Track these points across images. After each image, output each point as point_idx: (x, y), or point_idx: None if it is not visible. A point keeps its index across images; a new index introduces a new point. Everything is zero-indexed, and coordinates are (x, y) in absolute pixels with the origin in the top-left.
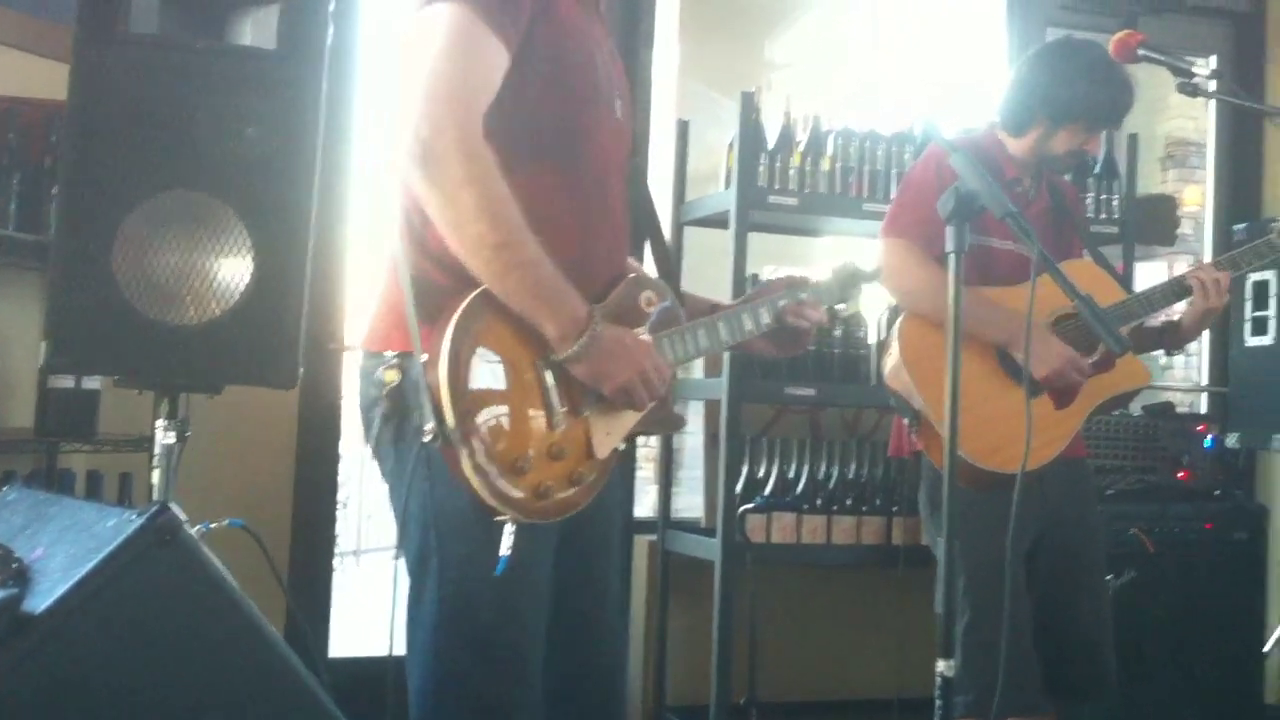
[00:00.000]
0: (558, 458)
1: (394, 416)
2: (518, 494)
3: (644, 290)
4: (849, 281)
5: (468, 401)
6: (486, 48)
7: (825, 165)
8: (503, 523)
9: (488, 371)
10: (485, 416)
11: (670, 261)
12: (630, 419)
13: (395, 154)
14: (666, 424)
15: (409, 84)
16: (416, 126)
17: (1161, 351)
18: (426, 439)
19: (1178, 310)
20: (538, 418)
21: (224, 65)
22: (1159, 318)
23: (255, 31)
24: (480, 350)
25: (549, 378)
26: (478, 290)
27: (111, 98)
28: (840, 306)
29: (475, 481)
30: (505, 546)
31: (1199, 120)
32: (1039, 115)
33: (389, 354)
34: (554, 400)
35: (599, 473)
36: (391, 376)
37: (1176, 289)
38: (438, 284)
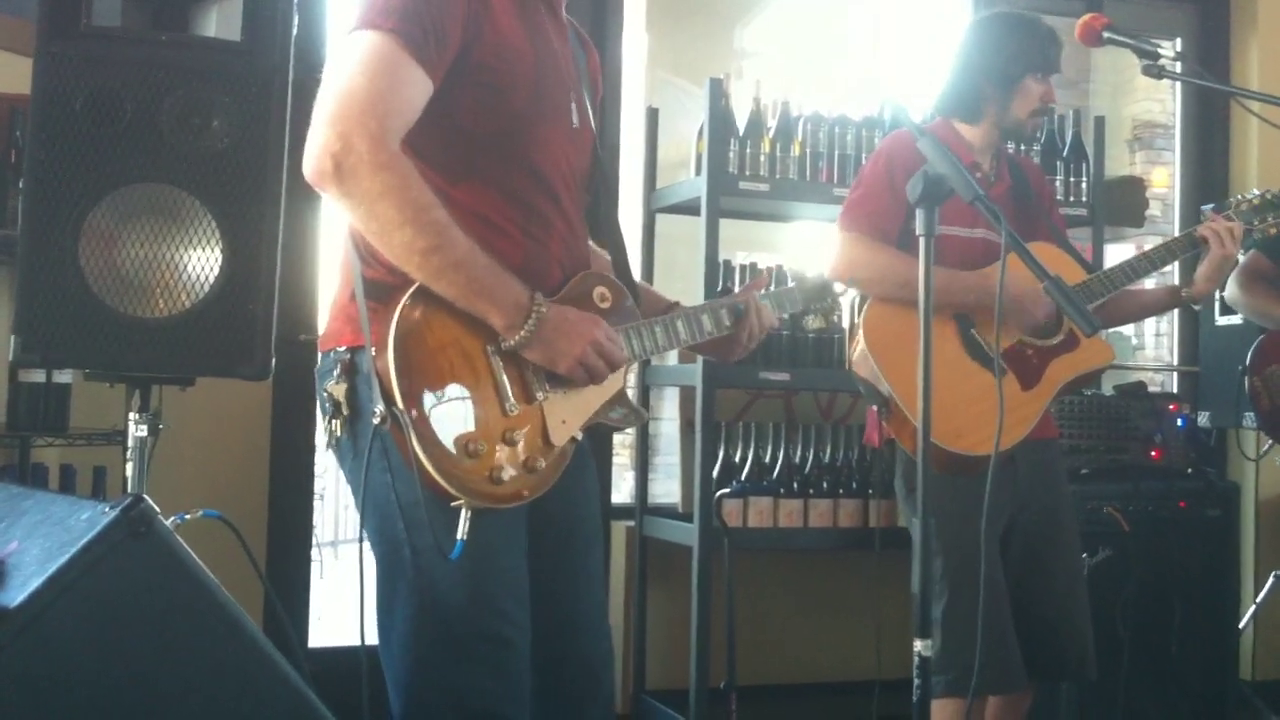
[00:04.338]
0: (511, 444)
1: (350, 412)
2: (470, 478)
3: (597, 286)
4: (816, 294)
5: (415, 385)
6: (405, 73)
7: (795, 151)
8: (458, 508)
9: (435, 357)
10: (433, 400)
11: (626, 262)
12: (587, 407)
13: (312, 174)
14: (626, 417)
15: (322, 105)
16: (328, 144)
17: (1133, 326)
18: (376, 421)
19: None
20: (489, 403)
21: (188, 57)
22: (1146, 283)
23: (220, 23)
24: (426, 336)
25: (498, 365)
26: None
27: (75, 91)
28: (808, 318)
29: (427, 465)
30: (461, 531)
31: (1165, 102)
32: (988, 90)
33: (341, 349)
34: (505, 387)
35: (555, 461)
36: (343, 373)
37: (1187, 244)
38: (387, 282)
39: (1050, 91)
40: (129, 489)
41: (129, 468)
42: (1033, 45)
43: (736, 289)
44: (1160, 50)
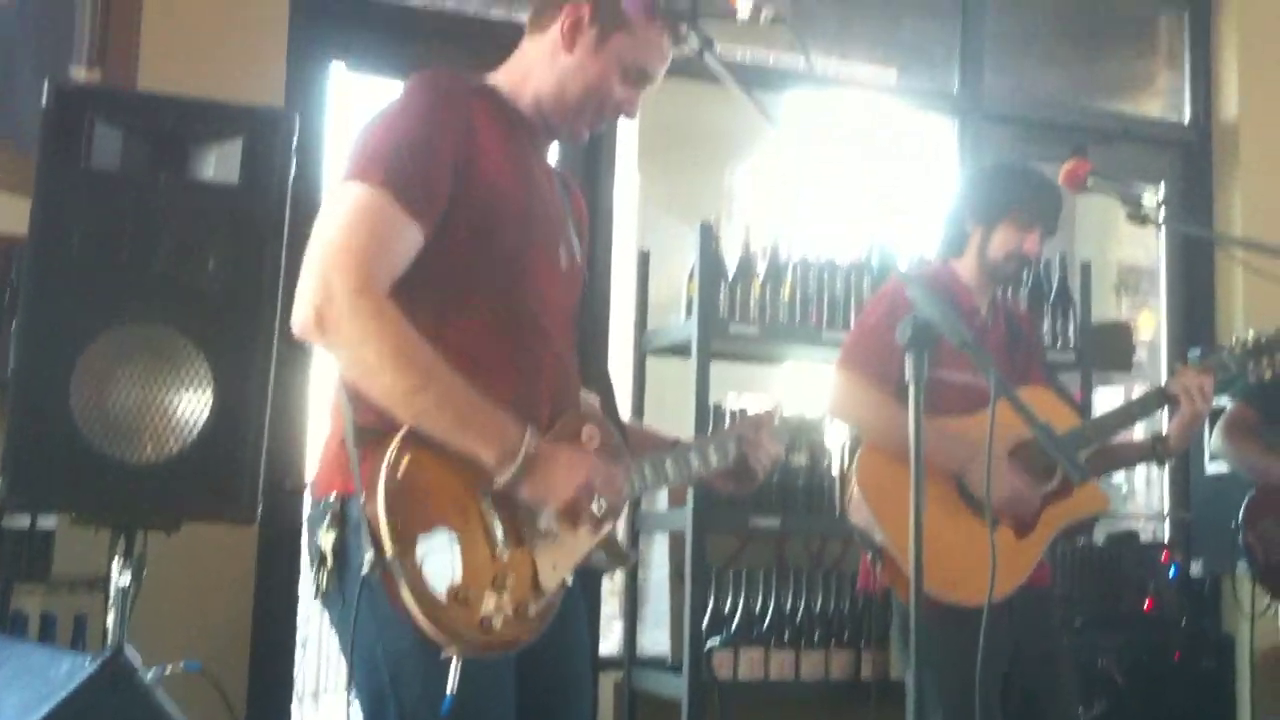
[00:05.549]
0: (501, 589)
1: (338, 561)
2: (461, 626)
3: (585, 425)
4: (801, 430)
5: (405, 531)
6: (394, 225)
7: (785, 294)
8: (448, 659)
9: (424, 501)
10: (423, 546)
11: (614, 401)
12: (578, 550)
13: (298, 327)
14: (614, 560)
15: (309, 258)
16: (312, 297)
17: (1123, 474)
18: (365, 570)
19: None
20: (479, 548)
21: (186, 199)
22: (1128, 435)
23: (219, 165)
24: (417, 481)
25: (488, 507)
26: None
27: (73, 231)
28: (795, 454)
29: (417, 613)
30: (451, 685)
31: (1150, 247)
32: (970, 224)
33: (331, 497)
34: (495, 530)
35: (545, 606)
36: (333, 520)
37: (1158, 400)
38: (377, 427)
39: (1031, 242)
40: (110, 638)
41: (110, 616)
42: (1022, 190)
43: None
44: (1143, 196)
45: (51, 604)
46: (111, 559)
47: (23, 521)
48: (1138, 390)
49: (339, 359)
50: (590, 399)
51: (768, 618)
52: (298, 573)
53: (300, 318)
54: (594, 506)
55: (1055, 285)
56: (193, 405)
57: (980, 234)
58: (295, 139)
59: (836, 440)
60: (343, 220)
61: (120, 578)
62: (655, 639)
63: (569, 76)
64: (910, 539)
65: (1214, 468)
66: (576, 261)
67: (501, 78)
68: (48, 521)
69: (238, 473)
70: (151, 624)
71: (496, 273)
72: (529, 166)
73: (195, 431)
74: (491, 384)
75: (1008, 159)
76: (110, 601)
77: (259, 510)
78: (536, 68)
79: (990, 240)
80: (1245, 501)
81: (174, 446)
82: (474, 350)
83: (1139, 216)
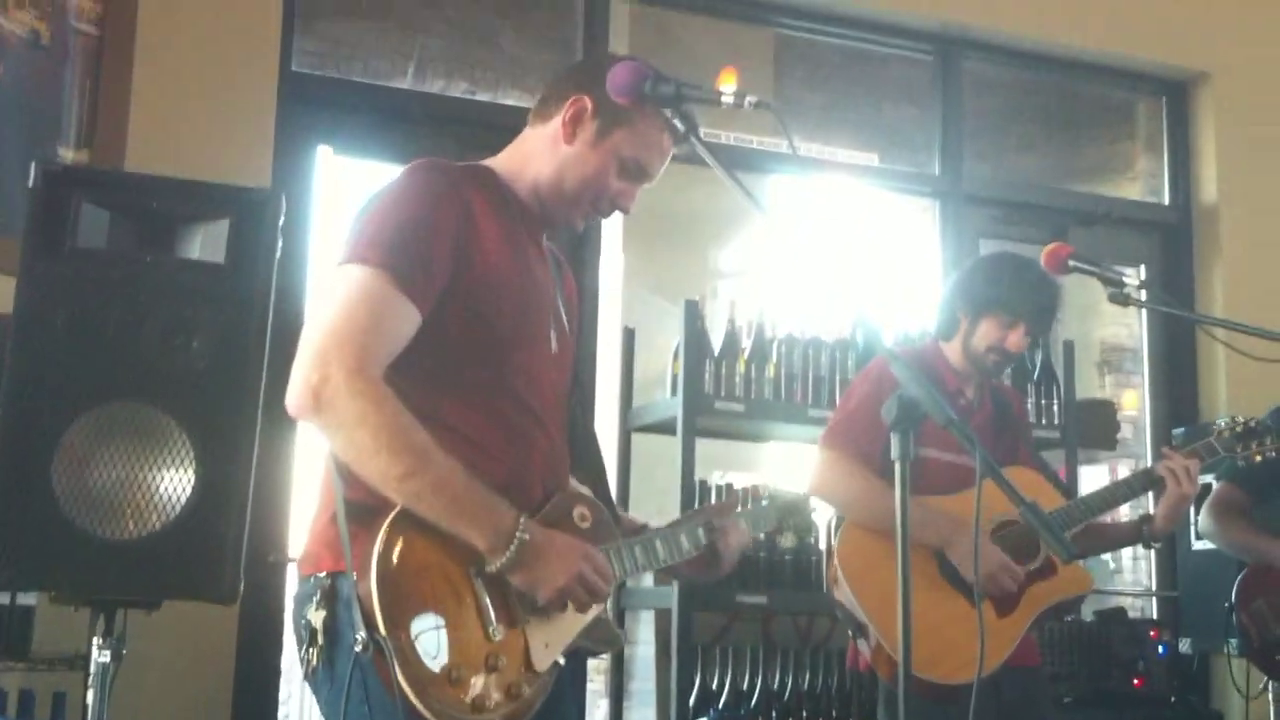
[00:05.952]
0: (494, 669)
1: (327, 640)
2: (453, 706)
3: (577, 506)
4: (789, 511)
5: (398, 611)
6: (392, 307)
7: (770, 371)
8: None
9: (417, 581)
10: (418, 626)
11: (605, 479)
12: (570, 630)
13: (293, 408)
14: (604, 642)
15: (306, 339)
16: (307, 378)
17: (1111, 554)
18: (358, 649)
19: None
20: (472, 628)
21: (171, 278)
22: (1115, 515)
23: (205, 245)
24: (409, 560)
25: (481, 588)
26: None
27: (57, 310)
28: (781, 536)
29: (410, 693)
30: None
31: (1132, 326)
32: (959, 311)
33: (321, 574)
34: (488, 610)
35: (538, 687)
36: (323, 599)
37: (1144, 482)
38: (369, 504)
39: (1014, 339)
40: (90, 716)
41: (90, 695)
42: (1009, 290)
43: None
44: (1124, 278)
45: (30, 681)
46: (91, 637)
47: (2, 599)
48: (1123, 468)
49: (333, 440)
50: (581, 479)
51: (755, 695)
52: (279, 649)
53: (295, 397)
54: (585, 593)
55: (1039, 363)
56: (175, 484)
57: (967, 323)
58: (282, 219)
59: (823, 517)
60: (341, 301)
61: (100, 655)
62: (642, 717)
63: (568, 166)
64: (898, 621)
65: (1201, 544)
66: (567, 343)
67: (501, 162)
68: (27, 599)
69: (220, 552)
70: (131, 701)
71: (490, 354)
72: (524, 250)
73: (177, 510)
74: (484, 464)
75: (1008, 252)
76: (90, 679)
77: (241, 589)
78: (536, 155)
79: (974, 331)
80: (1237, 581)
81: (155, 525)
82: (467, 430)
83: (1121, 298)
